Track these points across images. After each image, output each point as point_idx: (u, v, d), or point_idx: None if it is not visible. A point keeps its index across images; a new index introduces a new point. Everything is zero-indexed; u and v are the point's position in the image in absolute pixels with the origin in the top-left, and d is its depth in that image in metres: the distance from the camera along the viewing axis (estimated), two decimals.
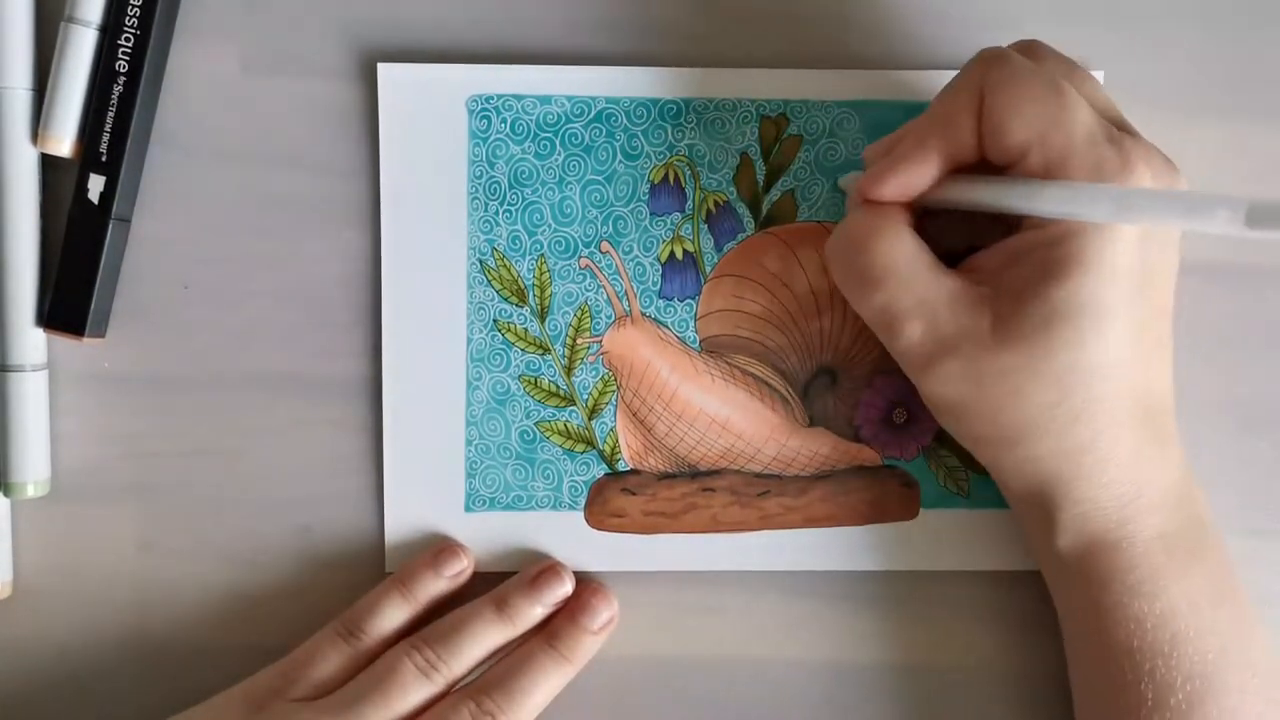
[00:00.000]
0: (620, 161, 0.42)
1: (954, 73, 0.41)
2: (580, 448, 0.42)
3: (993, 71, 0.35)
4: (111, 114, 0.40)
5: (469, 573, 0.42)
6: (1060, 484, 0.36)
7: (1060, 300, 0.34)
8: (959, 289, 0.36)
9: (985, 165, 0.36)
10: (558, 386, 0.42)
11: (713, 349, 0.42)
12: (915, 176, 0.36)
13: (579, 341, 0.42)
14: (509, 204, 0.42)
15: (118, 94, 0.40)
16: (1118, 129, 0.35)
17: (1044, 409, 0.35)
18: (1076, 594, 0.38)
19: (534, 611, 0.41)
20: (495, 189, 0.42)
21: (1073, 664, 0.40)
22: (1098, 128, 0.35)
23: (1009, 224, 0.37)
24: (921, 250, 0.37)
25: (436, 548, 0.42)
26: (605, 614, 0.42)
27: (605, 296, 0.42)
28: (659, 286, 0.42)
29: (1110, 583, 0.37)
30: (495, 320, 0.42)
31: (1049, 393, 0.35)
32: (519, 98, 0.42)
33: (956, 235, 0.39)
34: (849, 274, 0.38)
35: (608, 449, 0.42)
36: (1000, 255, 0.37)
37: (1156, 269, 0.36)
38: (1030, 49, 0.37)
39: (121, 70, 0.40)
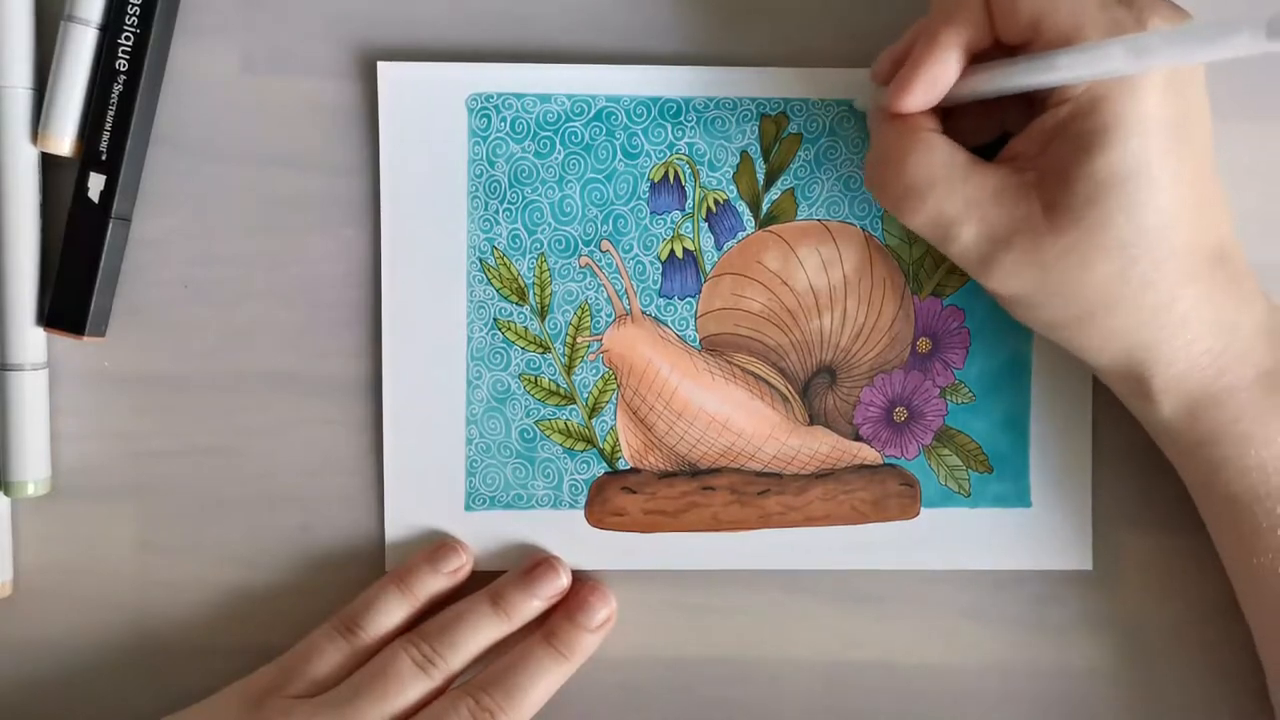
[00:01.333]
0: (620, 160, 0.42)
1: None
2: (580, 446, 0.42)
3: None
4: (111, 113, 0.40)
5: (467, 569, 0.42)
6: (1147, 350, 0.36)
7: (1104, 170, 0.34)
8: (1002, 181, 0.36)
9: (1000, 50, 0.36)
10: (558, 385, 0.42)
11: (713, 347, 0.42)
12: (938, 77, 0.36)
13: (579, 340, 0.42)
14: (509, 203, 0.42)
15: (118, 93, 0.40)
16: None
17: (1112, 279, 0.35)
18: (1190, 455, 0.38)
19: (530, 605, 0.41)
20: (495, 188, 0.42)
21: (1212, 530, 0.40)
22: None
23: (1036, 104, 0.37)
24: (956, 152, 0.37)
25: (435, 544, 0.42)
26: (603, 612, 0.42)
27: (605, 295, 0.42)
28: (659, 285, 0.42)
29: (1221, 437, 0.37)
30: (495, 319, 0.42)
31: (1113, 262, 0.35)
32: (519, 96, 0.42)
33: (986, 126, 0.39)
34: (890, 193, 0.37)
35: (608, 448, 0.42)
36: (1035, 137, 0.36)
37: (1190, 118, 0.35)
38: None
39: (121, 69, 0.40)
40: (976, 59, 0.36)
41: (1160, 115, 0.34)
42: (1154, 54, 0.32)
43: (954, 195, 0.36)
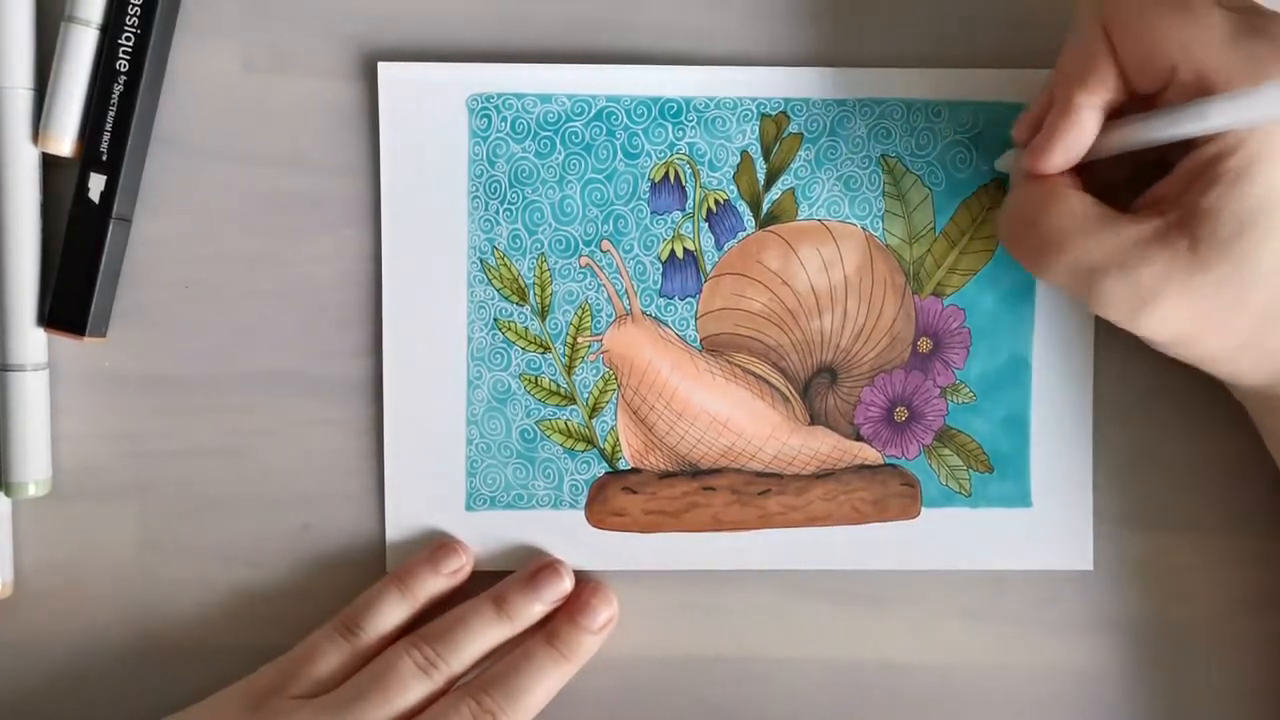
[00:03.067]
0: (620, 160, 0.42)
1: (954, 71, 0.42)
2: (581, 446, 0.42)
3: (1109, 7, 0.35)
4: (112, 113, 0.40)
5: (468, 570, 0.42)
6: None
7: (1252, 200, 0.34)
8: (1144, 228, 0.36)
9: (1135, 99, 0.36)
10: (558, 385, 0.42)
11: (713, 347, 0.42)
12: (1076, 138, 0.36)
13: (579, 340, 0.42)
14: (509, 203, 0.42)
15: (118, 93, 0.40)
16: (1255, 14, 0.35)
17: (1266, 306, 0.35)
18: None
19: (533, 609, 0.41)
20: (495, 188, 0.42)
21: None
22: (1234, 25, 0.34)
23: (1169, 151, 0.37)
24: (1091, 205, 0.37)
25: (435, 545, 0.42)
26: (605, 613, 0.42)
27: (606, 295, 0.42)
28: (659, 285, 0.42)
29: None
30: (496, 319, 0.42)
31: (1265, 289, 0.35)
32: (519, 96, 0.42)
33: (1118, 172, 0.39)
34: (1027, 249, 0.37)
35: (608, 448, 0.42)
36: (1178, 180, 0.36)
37: None
38: None
39: (122, 70, 0.40)
40: (1114, 111, 0.37)
41: None
42: None
43: (1092, 247, 0.36)
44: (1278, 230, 0.34)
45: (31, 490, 0.41)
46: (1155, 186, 0.37)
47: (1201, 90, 0.34)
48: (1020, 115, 0.39)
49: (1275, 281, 0.35)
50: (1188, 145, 0.36)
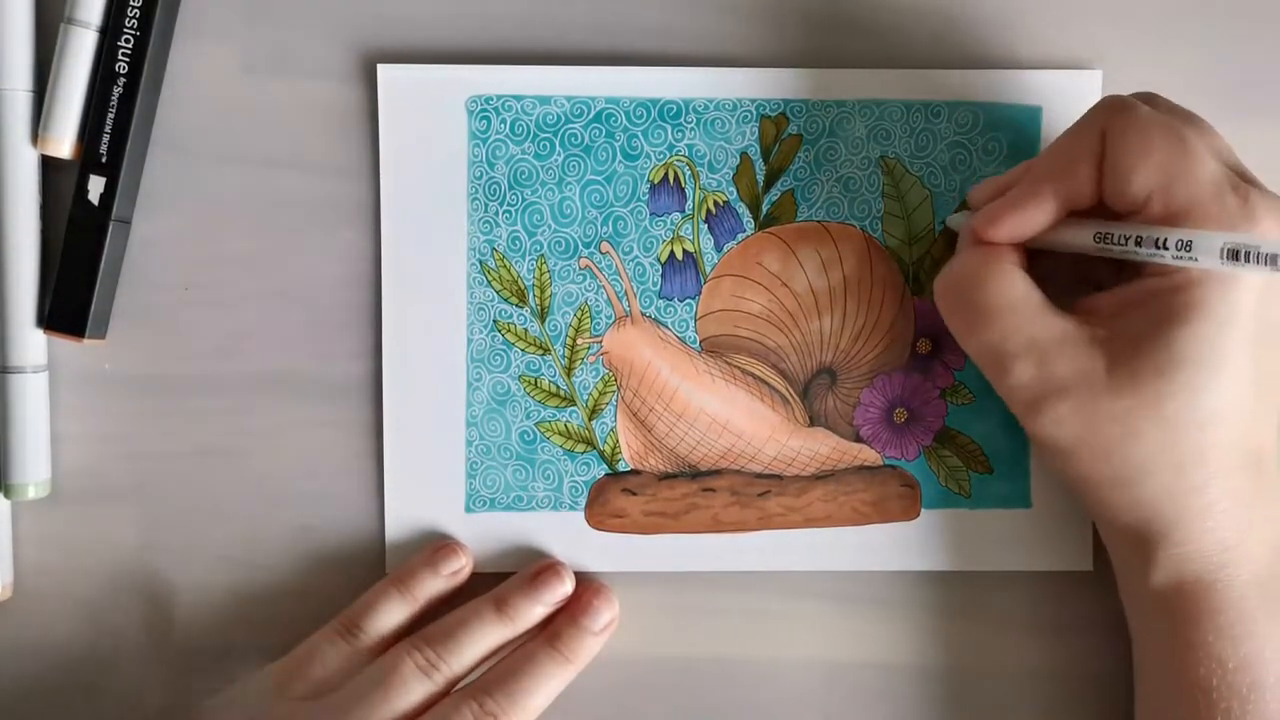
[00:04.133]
0: (620, 162, 0.42)
1: (954, 72, 0.42)
2: (580, 448, 0.42)
3: (1117, 118, 0.36)
4: (111, 115, 0.40)
5: (467, 571, 0.42)
6: (1165, 524, 0.37)
7: (1180, 345, 0.35)
8: (1071, 330, 0.36)
9: (1100, 209, 0.37)
10: (558, 387, 0.42)
11: (713, 349, 0.42)
12: (1030, 219, 0.37)
13: (579, 342, 0.42)
14: (509, 204, 0.42)
15: (118, 95, 0.40)
16: (1240, 178, 0.36)
17: (1156, 452, 0.36)
18: (1162, 628, 0.38)
19: (534, 611, 0.41)
20: (495, 189, 0.42)
21: (1144, 697, 0.40)
22: (1222, 177, 0.35)
23: (1120, 267, 0.38)
24: (1033, 290, 0.37)
25: (434, 546, 0.42)
26: (607, 615, 0.42)
27: (605, 297, 0.42)
28: (659, 286, 0.42)
29: (1199, 622, 0.37)
30: (495, 321, 0.42)
31: (1163, 436, 0.35)
32: (518, 98, 0.42)
33: (1065, 275, 0.39)
34: (959, 312, 0.38)
35: (608, 449, 0.42)
36: (1118, 299, 0.37)
37: (1275, 323, 0.36)
38: (1151, 98, 0.37)
39: (121, 71, 0.40)
40: (1074, 213, 0.37)
41: (1251, 311, 0.35)
42: (1258, 262, 0.32)
43: (1020, 331, 0.36)
44: (1196, 386, 0.35)
45: (31, 492, 0.41)
46: (1094, 297, 0.38)
47: (1169, 225, 0.35)
48: (983, 180, 0.40)
49: (1173, 433, 0.35)
50: (1137, 270, 0.37)
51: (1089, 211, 0.37)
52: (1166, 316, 0.35)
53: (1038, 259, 0.39)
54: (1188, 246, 0.33)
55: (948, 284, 0.38)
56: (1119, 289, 0.37)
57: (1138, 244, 0.35)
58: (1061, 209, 0.37)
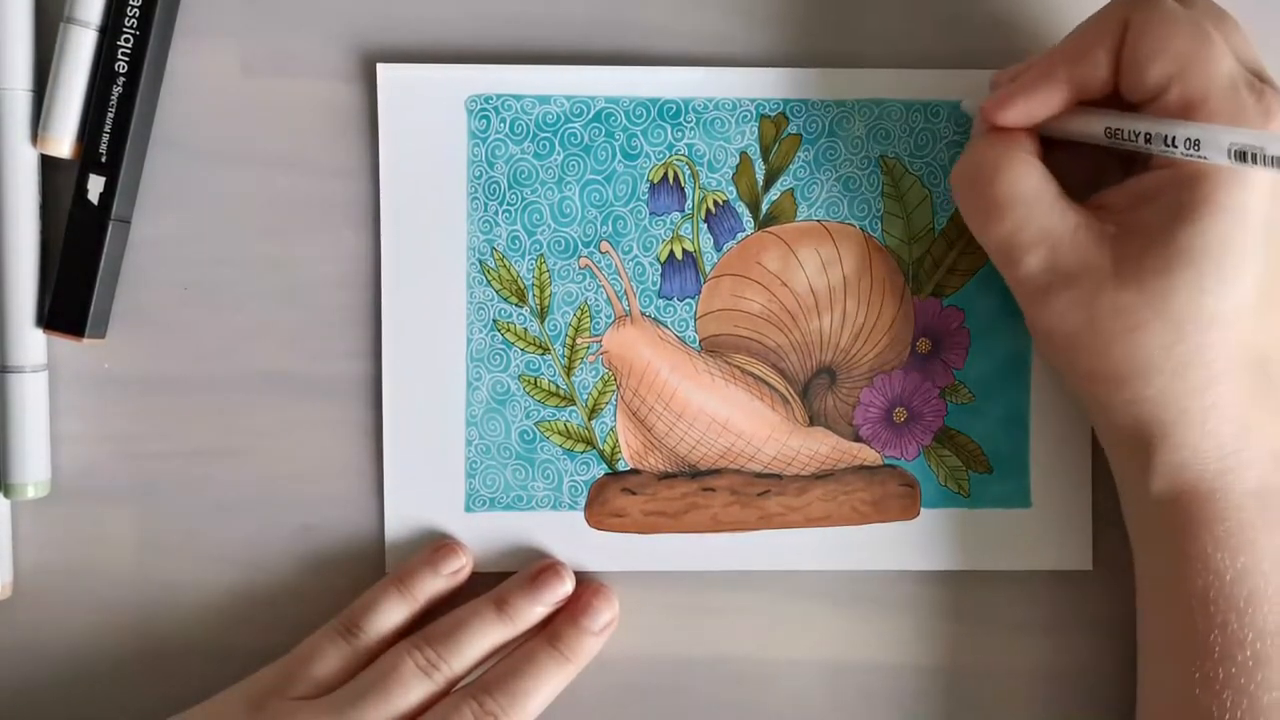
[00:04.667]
0: (619, 161, 0.42)
1: (953, 71, 0.42)
2: (580, 447, 0.42)
3: (1141, 7, 0.35)
4: (111, 114, 0.40)
5: (467, 571, 0.42)
6: (1164, 426, 0.36)
7: (1186, 241, 0.34)
8: (1083, 222, 0.36)
9: (1111, 101, 0.36)
10: (557, 386, 0.42)
11: (712, 348, 0.42)
12: (1040, 103, 0.37)
13: (579, 341, 0.42)
14: (508, 204, 0.42)
15: (117, 94, 0.40)
16: (1259, 79, 0.35)
17: (1158, 349, 0.35)
18: (1160, 539, 0.38)
19: (534, 611, 0.41)
20: (494, 189, 0.42)
21: (1144, 610, 0.39)
22: (1240, 75, 0.35)
23: (1133, 163, 0.38)
24: (1048, 181, 0.37)
25: (434, 546, 0.42)
26: (607, 614, 0.42)
27: (605, 296, 0.42)
28: (658, 286, 0.42)
29: (1197, 531, 0.36)
30: (495, 320, 0.42)
31: (1165, 334, 0.35)
32: (518, 98, 0.42)
33: (1080, 170, 0.39)
34: (974, 201, 0.38)
35: (608, 449, 0.42)
36: (1128, 193, 0.37)
37: None
38: None
39: (121, 71, 0.40)
40: (1085, 101, 0.37)
41: (1260, 209, 0.35)
42: (1260, 165, 0.32)
43: (1034, 221, 0.36)
44: (1200, 283, 0.35)
45: (31, 492, 0.41)
46: (1106, 192, 0.37)
47: (1182, 117, 0.34)
48: (1007, 69, 0.39)
49: (1175, 330, 0.35)
50: (1146, 164, 0.37)
51: (1103, 103, 0.37)
52: (1174, 212, 0.35)
53: (1053, 151, 0.38)
54: (1196, 144, 0.33)
55: (963, 173, 0.38)
56: (1130, 182, 0.37)
57: (1147, 140, 0.35)
58: (1074, 94, 0.36)
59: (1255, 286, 0.35)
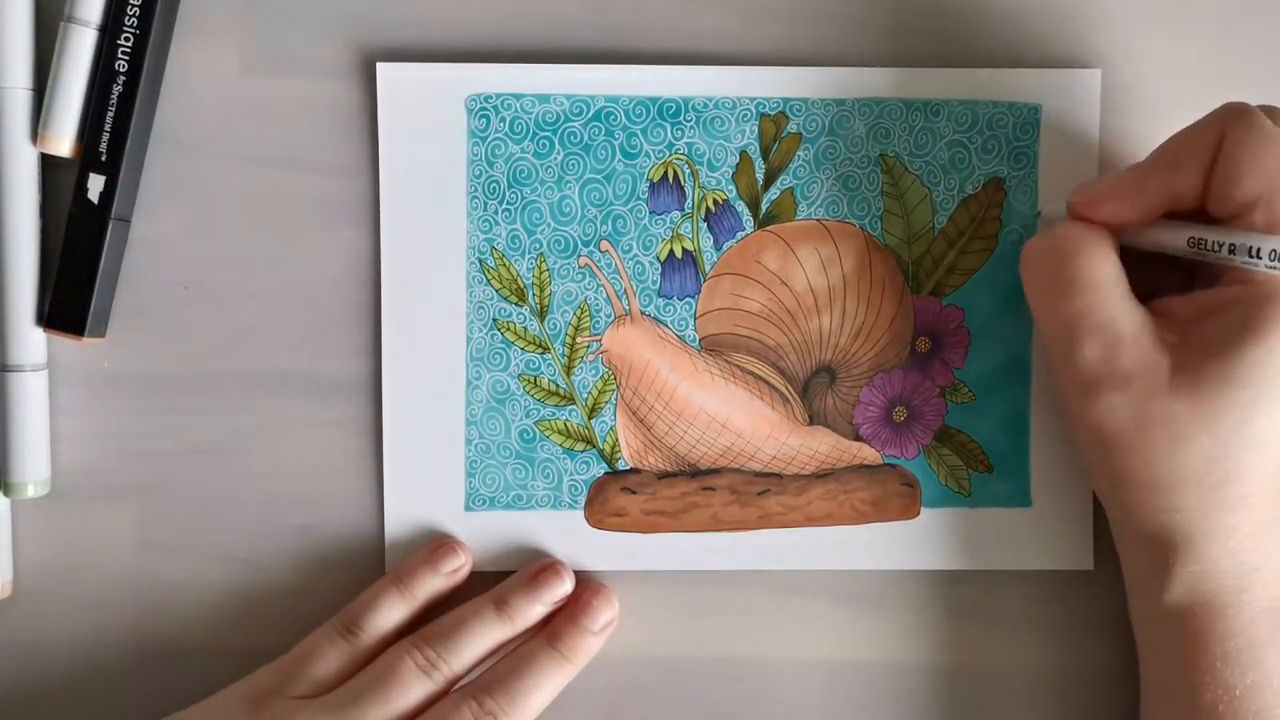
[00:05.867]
0: (619, 160, 0.42)
1: (953, 71, 0.42)
2: (580, 447, 0.42)
3: (1237, 124, 0.35)
4: (111, 114, 0.40)
5: (467, 570, 0.42)
6: (1189, 538, 0.37)
7: (1250, 360, 0.35)
8: (1148, 325, 0.36)
9: (1196, 216, 0.37)
10: (557, 385, 0.42)
11: (712, 347, 0.42)
12: (1130, 206, 0.37)
13: (578, 340, 0.42)
14: (508, 203, 0.42)
15: (117, 94, 0.40)
16: None
17: (1201, 463, 0.36)
18: (1170, 648, 0.38)
19: (534, 610, 0.41)
20: (494, 188, 0.42)
21: (1150, 715, 0.40)
22: None
23: (1204, 272, 0.38)
24: (1122, 276, 0.37)
25: (433, 545, 0.42)
26: (606, 614, 0.42)
27: (604, 295, 0.42)
28: (658, 285, 0.42)
29: (1209, 645, 0.37)
30: (495, 319, 0.42)
31: (1211, 448, 0.35)
32: (518, 97, 0.42)
33: (1143, 278, 0.39)
34: (1045, 279, 0.38)
35: (607, 448, 0.42)
36: (1195, 305, 0.37)
37: None
38: (1275, 113, 0.37)
39: (121, 70, 0.40)
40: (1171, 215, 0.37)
41: None
42: None
43: (1100, 309, 0.36)
44: (1255, 404, 0.35)
45: (31, 491, 0.41)
46: (1169, 300, 0.38)
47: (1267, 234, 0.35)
48: (1093, 180, 0.40)
49: (1220, 446, 0.35)
50: (1216, 280, 0.37)
51: (1186, 216, 0.37)
52: (1242, 328, 0.35)
53: (1122, 254, 0.38)
54: None
55: (1040, 249, 0.38)
56: (1197, 294, 0.37)
57: (1231, 251, 0.35)
58: (1163, 204, 0.37)
59: None
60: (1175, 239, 0.37)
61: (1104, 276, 0.37)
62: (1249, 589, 0.37)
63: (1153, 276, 0.39)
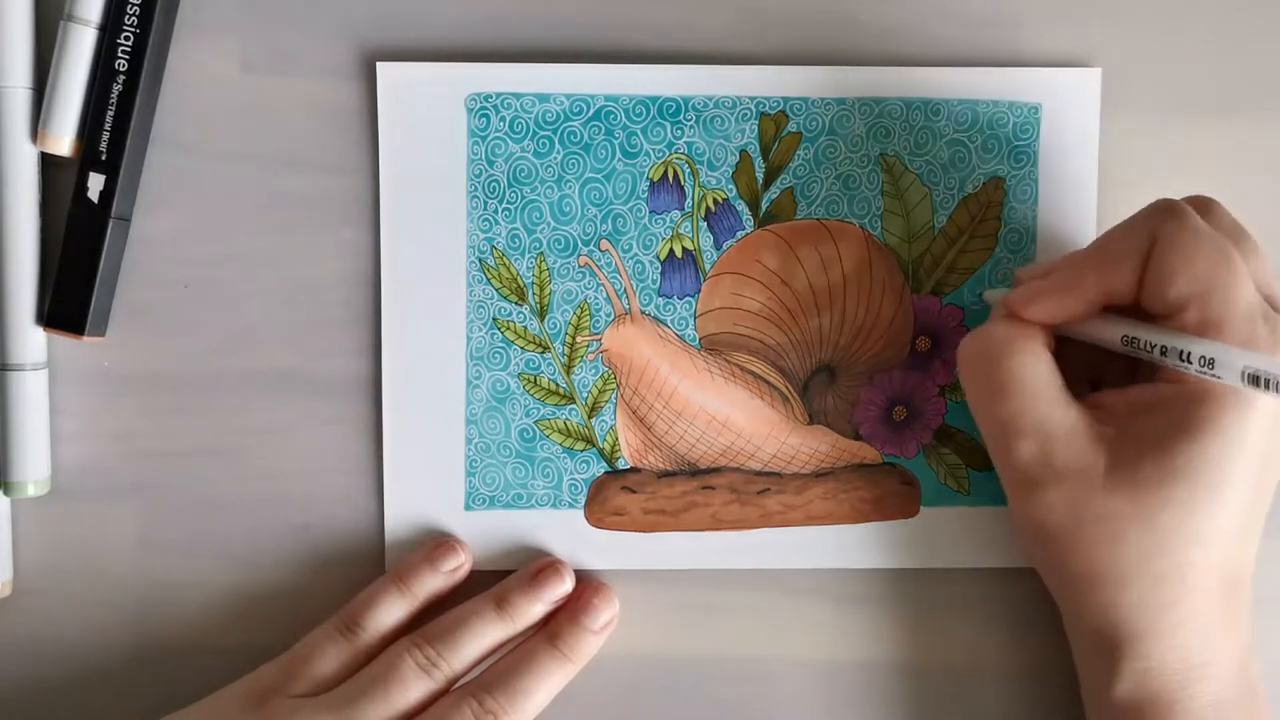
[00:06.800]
0: (619, 159, 0.42)
1: (953, 71, 0.42)
2: (580, 446, 0.42)
3: (1168, 223, 0.36)
4: (111, 113, 0.40)
5: (466, 568, 0.42)
6: (1133, 636, 0.37)
7: (1184, 459, 0.35)
8: (1082, 422, 0.36)
9: (1133, 308, 0.37)
10: (557, 385, 0.42)
11: (712, 347, 0.42)
12: (1067, 304, 0.37)
13: (578, 339, 0.42)
14: (508, 202, 0.42)
15: (117, 93, 0.40)
16: (1273, 308, 0.36)
17: (1138, 560, 0.36)
18: None
19: (534, 609, 0.41)
20: (494, 187, 0.42)
21: None
22: (1257, 304, 0.35)
23: (1134, 368, 0.38)
24: (1054, 375, 0.37)
25: (433, 543, 0.42)
26: (607, 613, 0.42)
27: (604, 295, 0.42)
28: (658, 284, 0.42)
29: None
30: (495, 319, 0.42)
31: (1148, 544, 0.36)
32: (518, 96, 0.42)
33: (1084, 365, 0.39)
34: (979, 380, 0.38)
35: (607, 447, 0.42)
36: (1130, 400, 0.37)
37: (1277, 451, 0.36)
38: (1206, 207, 0.37)
39: (121, 69, 0.40)
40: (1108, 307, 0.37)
41: (1260, 437, 0.35)
42: (1271, 390, 0.33)
43: (1034, 410, 0.37)
44: (1191, 504, 0.35)
45: (31, 490, 0.41)
46: (1107, 393, 0.38)
47: (1198, 336, 0.35)
48: (1030, 264, 0.41)
49: (1158, 544, 0.36)
50: (1152, 373, 0.37)
51: (1123, 309, 0.37)
52: (1176, 427, 0.35)
53: (1062, 341, 0.39)
54: (1210, 363, 0.34)
55: (973, 350, 0.38)
56: (1133, 389, 0.37)
57: (1163, 353, 0.35)
58: (1099, 301, 0.37)
59: (1239, 510, 0.36)
60: (1110, 334, 0.37)
61: (1035, 378, 0.37)
62: (1195, 682, 0.37)
63: (1094, 363, 0.39)
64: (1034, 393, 0.37)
